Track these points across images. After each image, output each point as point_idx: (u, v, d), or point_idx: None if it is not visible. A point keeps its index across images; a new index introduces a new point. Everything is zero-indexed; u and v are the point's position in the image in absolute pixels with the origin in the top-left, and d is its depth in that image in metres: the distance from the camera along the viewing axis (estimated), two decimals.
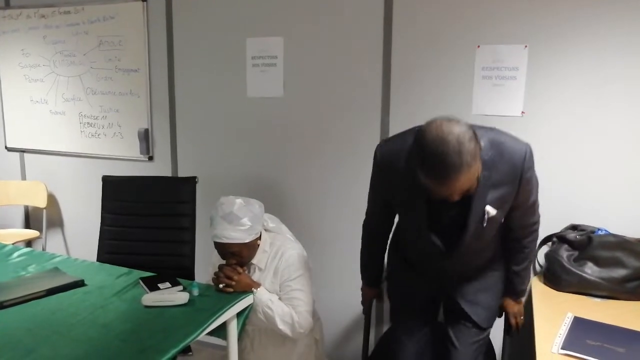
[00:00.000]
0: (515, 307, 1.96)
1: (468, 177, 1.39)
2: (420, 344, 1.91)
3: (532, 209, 1.75)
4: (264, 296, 1.92)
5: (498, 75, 2.29)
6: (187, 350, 2.14)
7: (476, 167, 1.41)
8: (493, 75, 2.30)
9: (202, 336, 1.71)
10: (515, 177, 1.57)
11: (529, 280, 1.97)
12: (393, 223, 1.95)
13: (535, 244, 1.87)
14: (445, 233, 1.67)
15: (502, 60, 2.28)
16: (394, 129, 2.49)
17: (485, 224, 1.60)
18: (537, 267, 2.29)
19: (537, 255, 2.29)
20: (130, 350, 1.52)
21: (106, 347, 1.54)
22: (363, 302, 2.17)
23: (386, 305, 2.46)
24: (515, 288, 1.92)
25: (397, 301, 2.01)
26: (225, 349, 1.93)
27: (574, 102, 2.19)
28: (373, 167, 1.76)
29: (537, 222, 1.82)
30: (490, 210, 1.57)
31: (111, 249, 2.44)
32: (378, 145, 1.73)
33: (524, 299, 1.97)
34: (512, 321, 1.96)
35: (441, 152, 1.36)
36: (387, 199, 1.77)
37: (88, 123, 3.25)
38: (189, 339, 1.60)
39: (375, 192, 1.84)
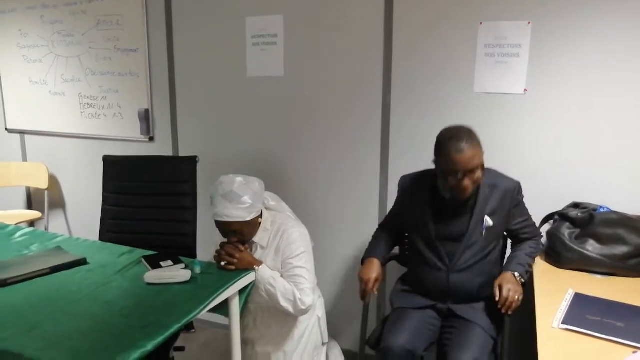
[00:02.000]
0: (512, 282, 1.86)
1: (477, 153, 1.79)
2: (415, 334, 1.91)
3: (530, 222, 2.05)
4: (266, 274, 1.93)
5: (501, 53, 2.27)
6: (189, 327, 2.15)
7: (481, 153, 1.82)
8: (495, 53, 2.28)
9: (205, 314, 1.72)
10: (508, 199, 1.95)
11: (530, 267, 1.96)
12: (398, 238, 2.21)
13: (539, 249, 2.07)
14: (448, 246, 1.95)
15: (504, 37, 2.25)
16: (396, 107, 2.48)
17: (484, 232, 1.90)
18: None
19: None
20: (133, 326, 1.53)
21: (109, 323, 1.55)
22: (365, 282, 1.99)
23: (388, 287, 2.48)
24: (516, 265, 1.92)
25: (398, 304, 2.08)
26: (227, 327, 1.94)
27: (577, 80, 2.16)
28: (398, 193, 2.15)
29: (539, 235, 2.09)
30: (488, 220, 1.91)
31: (113, 229, 2.45)
32: (401, 177, 2.13)
33: (523, 280, 1.90)
34: (505, 293, 1.81)
35: (457, 130, 1.83)
36: (402, 216, 2.10)
37: (88, 104, 3.24)
38: (191, 315, 1.61)
39: (394, 209, 2.20)
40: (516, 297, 1.83)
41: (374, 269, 2.02)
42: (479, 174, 1.82)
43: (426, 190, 1.98)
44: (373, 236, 2.23)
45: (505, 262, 2.02)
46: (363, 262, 2.11)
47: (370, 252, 2.12)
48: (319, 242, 2.49)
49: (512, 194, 1.95)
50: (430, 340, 1.95)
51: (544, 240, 2.24)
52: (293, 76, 2.67)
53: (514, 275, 1.89)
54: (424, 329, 1.95)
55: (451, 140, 1.79)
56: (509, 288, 1.84)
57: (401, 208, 2.11)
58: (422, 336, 1.92)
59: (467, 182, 1.80)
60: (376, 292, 2.01)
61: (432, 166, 1.99)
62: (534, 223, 2.09)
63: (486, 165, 2.02)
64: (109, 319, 1.57)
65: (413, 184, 2.06)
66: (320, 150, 2.69)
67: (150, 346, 1.42)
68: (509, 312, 1.84)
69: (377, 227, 2.26)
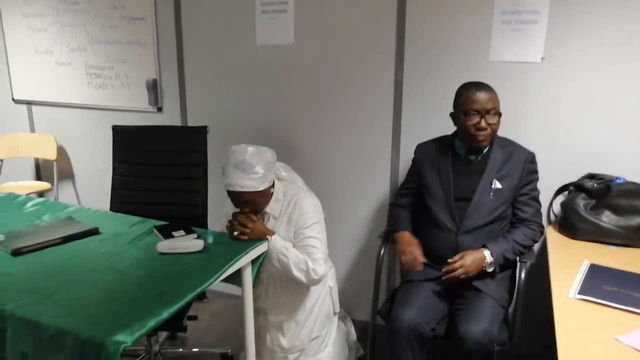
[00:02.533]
0: (475, 261, 1.87)
1: (494, 98, 1.91)
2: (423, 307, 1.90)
3: (535, 205, 2.02)
4: (278, 243, 1.92)
5: (518, 20, 2.20)
6: (202, 296, 2.17)
7: (497, 100, 1.92)
8: (513, 20, 2.21)
9: (216, 284, 1.72)
10: (520, 166, 1.96)
11: (507, 257, 1.93)
12: (413, 210, 2.18)
13: (532, 242, 2.01)
14: (460, 207, 1.97)
15: (522, 4, 2.18)
16: (409, 76, 2.43)
17: (491, 194, 1.94)
18: (552, 217, 2.27)
19: (552, 205, 2.27)
20: (148, 294, 1.53)
21: (124, 291, 1.55)
22: (411, 251, 1.99)
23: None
24: (500, 247, 1.91)
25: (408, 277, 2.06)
26: (239, 298, 1.95)
27: (596, 48, 2.10)
28: (412, 163, 2.20)
29: (540, 224, 2.02)
30: (497, 182, 1.95)
31: (123, 199, 2.43)
32: (417, 145, 2.18)
33: (492, 268, 1.90)
34: (458, 265, 1.86)
35: (477, 82, 1.97)
36: (416, 186, 2.13)
37: (95, 74, 3.19)
38: (205, 284, 1.61)
39: (406, 181, 2.23)
40: (462, 275, 1.87)
41: (410, 239, 2.04)
42: (495, 120, 1.90)
43: (445, 152, 2.05)
44: (389, 214, 2.22)
45: (497, 238, 1.97)
46: (390, 237, 2.10)
47: (395, 226, 2.12)
48: (330, 213, 2.48)
49: (525, 161, 1.97)
50: (441, 313, 1.95)
51: (557, 210, 2.23)
52: (303, 44, 2.61)
53: (485, 260, 1.89)
54: (434, 302, 1.94)
55: (470, 86, 1.94)
56: (464, 264, 1.87)
57: (417, 174, 2.11)
58: (432, 311, 1.91)
59: (484, 123, 1.88)
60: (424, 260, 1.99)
61: (446, 132, 2.01)
62: (540, 212, 2.05)
63: (501, 134, 2.02)
64: (124, 288, 1.57)
65: (430, 149, 2.10)
66: (332, 120, 2.65)
67: (165, 314, 1.42)
68: (444, 278, 1.91)
69: (389, 202, 2.24)
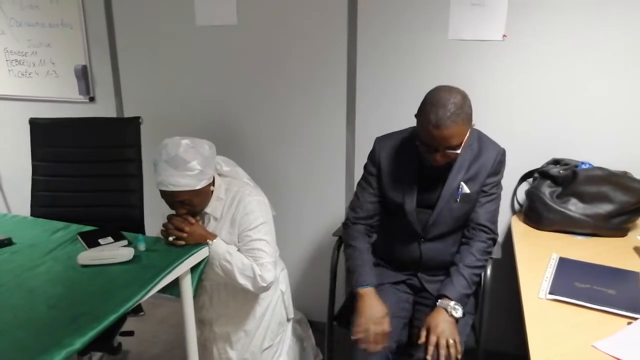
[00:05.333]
0: (444, 323, 1.54)
1: (460, 132, 1.52)
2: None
3: (492, 209, 1.74)
4: (220, 248, 1.71)
5: None
6: (137, 309, 1.93)
7: (467, 129, 1.55)
8: None
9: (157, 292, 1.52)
10: (488, 167, 1.69)
11: (468, 293, 1.65)
12: (375, 223, 1.82)
13: (487, 256, 1.73)
14: (422, 213, 1.73)
15: None
16: (362, 57, 2.24)
17: (458, 199, 1.69)
18: (517, 206, 2.15)
19: (516, 193, 2.14)
20: (60, 318, 1.30)
21: (31, 316, 1.31)
22: (371, 332, 1.58)
23: None
24: (454, 293, 1.60)
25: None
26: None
27: (562, 25, 1.96)
28: (368, 159, 1.82)
29: (493, 234, 1.73)
30: (464, 186, 1.69)
31: (47, 202, 2.16)
32: (376, 139, 1.82)
33: (457, 313, 1.57)
34: (433, 340, 1.51)
35: (447, 97, 1.50)
36: (377, 193, 1.79)
37: (16, 60, 2.86)
38: (131, 302, 1.39)
39: (363, 188, 1.82)
40: (451, 340, 1.52)
41: (378, 305, 1.62)
42: (456, 152, 1.56)
43: (409, 153, 1.71)
44: (348, 237, 1.80)
45: (446, 281, 1.67)
46: (352, 290, 1.73)
47: (358, 275, 1.70)
48: (281, 209, 2.28)
49: (494, 161, 1.69)
50: (404, 321, 1.75)
51: (521, 199, 2.11)
52: (248, 25, 2.38)
53: (446, 310, 1.57)
54: (399, 310, 1.73)
55: (435, 107, 1.49)
56: (438, 334, 1.52)
57: (377, 175, 1.78)
58: (398, 334, 1.70)
59: (438, 158, 1.57)
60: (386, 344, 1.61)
61: (407, 121, 1.78)
62: (496, 212, 1.75)
63: None
64: (32, 311, 1.33)
65: (393, 146, 1.76)
66: (281, 108, 2.43)
67: (78, 344, 1.19)
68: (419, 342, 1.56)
69: (346, 216, 1.89)
